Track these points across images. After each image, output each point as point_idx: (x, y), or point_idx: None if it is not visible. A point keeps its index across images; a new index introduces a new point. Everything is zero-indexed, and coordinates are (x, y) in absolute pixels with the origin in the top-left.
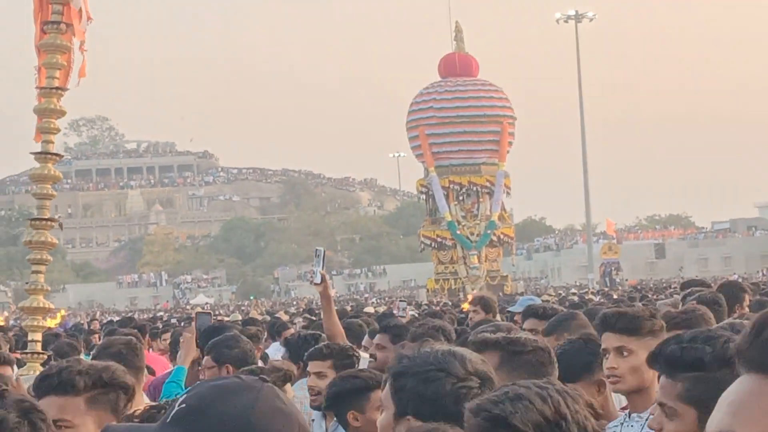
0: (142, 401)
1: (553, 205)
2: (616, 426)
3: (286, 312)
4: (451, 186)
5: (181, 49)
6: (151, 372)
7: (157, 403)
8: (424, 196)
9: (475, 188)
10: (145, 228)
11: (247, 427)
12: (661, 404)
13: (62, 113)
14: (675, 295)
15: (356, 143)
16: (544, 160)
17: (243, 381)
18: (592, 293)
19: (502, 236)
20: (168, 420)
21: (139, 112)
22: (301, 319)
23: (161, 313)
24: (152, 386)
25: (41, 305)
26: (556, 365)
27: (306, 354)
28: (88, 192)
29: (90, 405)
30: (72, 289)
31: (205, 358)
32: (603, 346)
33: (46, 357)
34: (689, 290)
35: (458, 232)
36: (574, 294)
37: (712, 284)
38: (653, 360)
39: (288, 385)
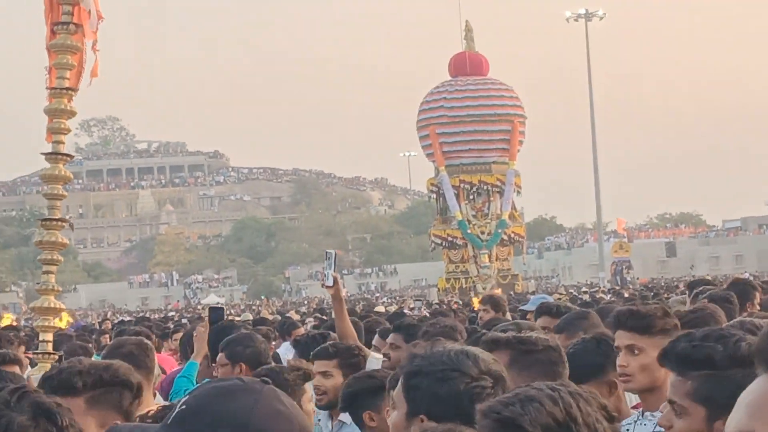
0: (152, 401)
1: (563, 203)
2: (630, 424)
3: (297, 311)
4: (462, 185)
5: (191, 50)
6: (163, 372)
7: (170, 403)
8: (434, 196)
9: (485, 187)
10: (156, 228)
11: (246, 429)
12: (671, 402)
13: (73, 114)
14: (682, 294)
15: (367, 143)
16: (555, 159)
17: (244, 383)
18: (603, 292)
19: (512, 235)
20: (169, 421)
21: (149, 112)
22: (311, 319)
23: (172, 313)
24: (165, 381)
25: (52, 305)
26: (567, 364)
27: (311, 353)
28: (99, 192)
29: (91, 405)
30: (83, 289)
31: (219, 355)
32: (615, 344)
33: (57, 357)
34: (701, 288)
35: (469, 231)
36: (585, 292)
37: (723, 283)
38: (664, 358)
39: (307, 384)
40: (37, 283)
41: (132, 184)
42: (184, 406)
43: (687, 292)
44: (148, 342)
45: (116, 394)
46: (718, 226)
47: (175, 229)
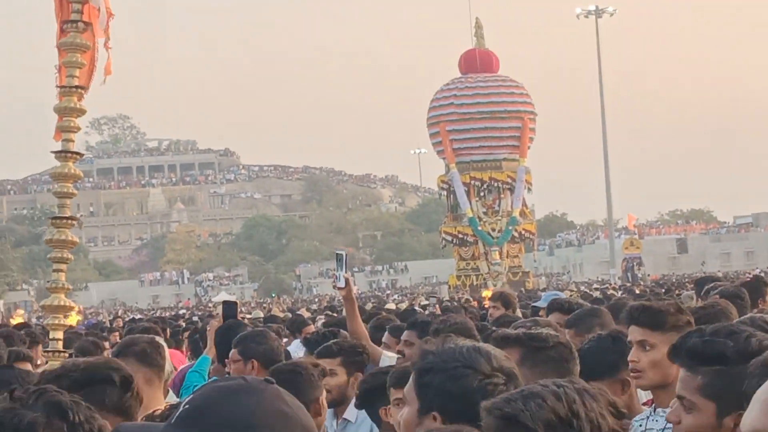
0: (162, 399)
1: (574, 200)
2: (642, 420)
3: (308, 309)
4: (473, 182)
5: (202, 48)
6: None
7: (177, 402)
8: (445, 193)
9: (496, 184)
10: (167, 226)
11: (248, 429)
12: (680, 397)
13: (82, 112)
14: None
15: (378, 140)
16: (566, 156)
17: (247, 382)
18: (614, 288)
19: (523, 232)
20: (173, 420)
21: (160, 110)
22: (322, 317)
23: (183, 311)
24: (178, 377)
25: (63, 304)
26: (578, 360)
27: (315, 351)
28: (110, 190)
29: None
30: (94, 287)
31: (232, 351)
32: (628, 339)
33: (67, 355)
34: (712, 284)
35: (479, 228)
36: (596, 289)
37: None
38: (674, 353)
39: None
40: (48, 282)
41: (143, 182)
42: (187, 406)
43: (694, 289)
44: (161, 339)
45: (98, 393)
46: (729, 223)
47: (186, 227)
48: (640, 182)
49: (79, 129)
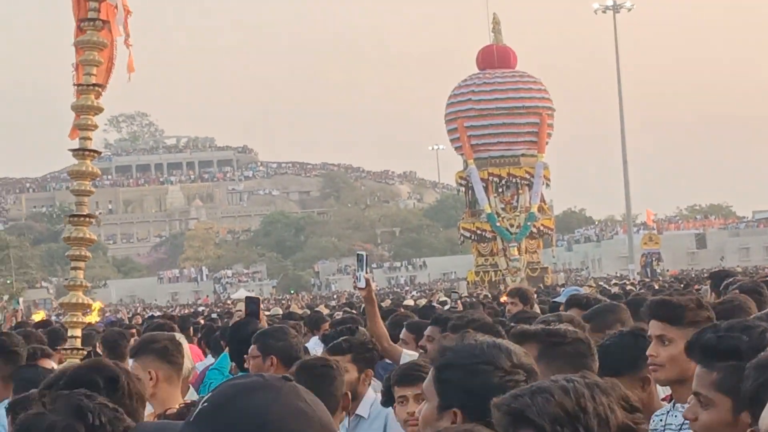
0: (180, 397)
1: (592, 196)
2: (662, 415)
3: (326, 306)
4: (491, 178)
5: (219, 45)
6: None
7: (190, 401)
8: (463, 189)
9: (514, 180)
10: (185, 223)
11: (264, 426)
12: (696, 393)
13: (100, 110)
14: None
15: (395, 136)
16: (584, 151)
17: (264, 379)
18: (633, 284)
19: (541, 228)
20: (191, 419)
21: (178, 107)
22: (340, 313)
23: (202, 308)
24: (201, 375)
25: (81, 301)
26: (596, 356)
27: (325, 348)
28: (129, 188)
29: None
30: (113, 284)
31: (251, 347)
32: (648, 334)
33: (85, 353)
34: (731, 279)
35: (498, 224)
36: (615, 285)
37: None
38: (690, 349)
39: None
40: (66, 279)
41: (161, 179)
42: (205, 404)
43: (710, 283)
44: (181, 337)
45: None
46: (748, 217)
47: (205, 224)
48: (659, 177)
49: (96, 127)
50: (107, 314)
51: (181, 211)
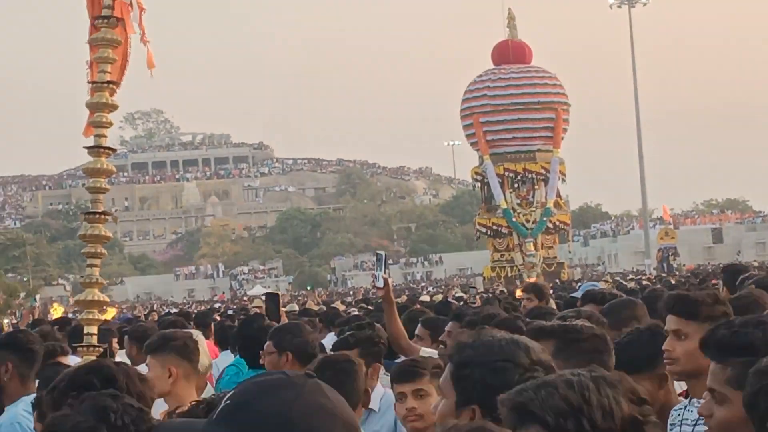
0: (194, 394)
1: (608, 191)
2: (680, 410)
3: (342, 302)
4: (506, 173)
5: (235, 41)
6: None
7: (200, 399)
8: (479, 184)
9: (530, 175)
10: (201, 220)
11: (287, 424)
12: (710, 390)
13: (114, 107)
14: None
15: (411, 132)
16: (600, 147)
17: (287, 377)
18: (649, 279)
19: (558, 223)
20: (214, 417)
21: (193, 104)
22: (356, 309)
23: (218, 305)
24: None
25: (96, 298)
26: (613, 353)
27: (332, 344)
28: (145, 185)
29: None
30: (130, 281)
31: (267, 343)
32: (665, 328)
33: (102, 350)
34: (747, 275)
35: (514, 219)
36: (631, 280)
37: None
38: (704, 345)
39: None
40: (82, 276)
41: (177, 176)
42: (228, 402)
43: (722, 278)
44: (198, 334)
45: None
46: (765, 212)
47: (221, 221)
48: (675, 172)
49: (111, 124)
50: (124, 311)
51: (197, 207)
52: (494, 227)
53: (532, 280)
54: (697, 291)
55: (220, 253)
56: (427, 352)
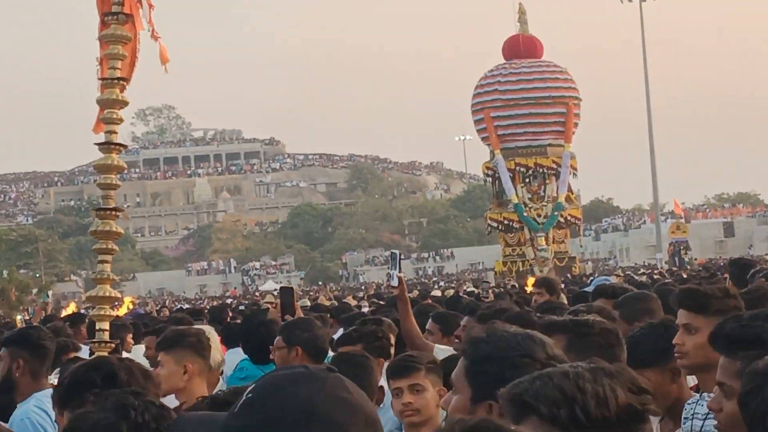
0: (205, 390)
1: (620, 185)
2: (692, 404)
3: (354, 297)
4: (518, 168)
5: (246, 38)
6: None
7: (205, 395)
8: (490, 179)
9: (541, 170)
10: (213, 216)
11: (309, 417)
12: (720, 384)
13: (125, 103)
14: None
15: (422, 127)
16: (611, 141)
17: (309, 370)
18: (660, 273)
19: (569, 217)
20: (236, 409)
21: (205, 100)
22: (368, 304)
23: (230, 300)
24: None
25: (108, 295)
26: (625, 347)
27: (335, 340)
28: (156, 181)
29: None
30: (142, 277)
31: (277, 338)
32: (676, 322)
33: (113, 346)
34: (758, 269)
35: (525, 214)
36: (642, 274)
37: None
38: (713, 340)
39: None
40: (93, 272)
41: (188, 172)
42: (250, 395)
43: (729, 271)
44: (211, 329)
45: (83, 398)
46: None
47: (232, 217)
48: (686, 166)
49: (122, 121)
50: (136, 307)
51: (208, 203)
52: (505, 222)
53: (538, 275)
54: (708, 285)
55: (231, 248)
56: (442, 348)
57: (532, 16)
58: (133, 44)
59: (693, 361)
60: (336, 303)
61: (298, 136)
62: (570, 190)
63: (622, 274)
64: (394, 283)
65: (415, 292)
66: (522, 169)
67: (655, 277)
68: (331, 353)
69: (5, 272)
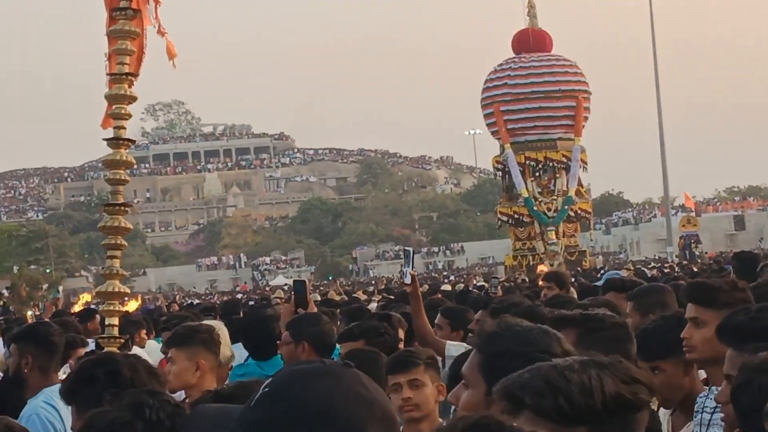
0: (214, 385)
1: (630, 179)
2: (703, 398)
3: (364, 291)
4: (527, 162)
5: (255, 32)
6: None
7: (210, 390)
8: (500, 173)
9: (551, 164)
10: (223, 210)
11: (325, 413)
12: (728, 376)
13: (133, 99)
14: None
15: (432, 121)
16: (621, 134)
17: (326, 366)
18: (671, 267)
19: (579, 211)
20: (252, 403)
21: (214, 95)
22: (377, 297)
23: (240, 295)
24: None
25: (117, 290)
26: (635, 341)
27: (338, 336)
28: (166, 176)
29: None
30: (152, 272)
31: (284, 333)
32: (685, 315)
33: (123, 341)
34: (766, 262)
35: (535, 208)
36: (652, 268)
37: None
38: (721, 332)
39: None
40: (102, 268)
41: (198, 167)
42: (266, 389)
43: (732, 265)
44: (221, 325)
45: (87, 393)
46: None
47: (242, 212)
48: (697, 159)
49: (130, 116)
50: (146, 302)
51: (218, 198)
52: (516, 216)
53: (546, 268)
54: (714, 278)
55: (241, 243)
56: (454, 344)
57: (542, 9)
58: (141, 40)
59: (701, 355)
60: (346, 298)
61: (308, 130)
62: (580, 183)
63: (633, 268)
64: (407, 280)
65: (425, 287)
66: (532, 163)
67: (666, 270)
68: (339, 348)
69: (16, 268)
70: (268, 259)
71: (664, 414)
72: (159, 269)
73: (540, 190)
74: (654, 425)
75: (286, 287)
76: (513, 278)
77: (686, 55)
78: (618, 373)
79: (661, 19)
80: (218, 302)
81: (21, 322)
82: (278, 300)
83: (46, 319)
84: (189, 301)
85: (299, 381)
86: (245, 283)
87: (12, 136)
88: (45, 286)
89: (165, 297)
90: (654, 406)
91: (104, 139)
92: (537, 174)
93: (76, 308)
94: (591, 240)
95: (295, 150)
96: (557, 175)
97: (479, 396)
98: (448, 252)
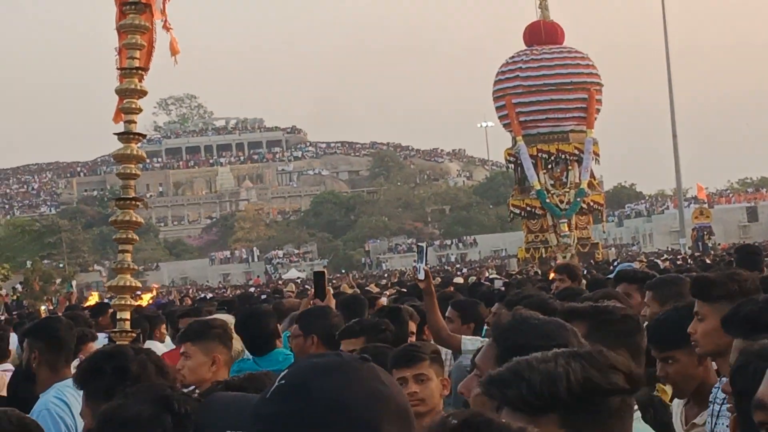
0: (226, 376)
1: (643, 171)
2: (716, 389)
3: (377, 285)
4: (540, 154)
5: (268, 26)
6: None
7: (221, 380)
8: (512, 166)
9: (563, 156)
10: (235, 204)
11: (341, 406)
12: None
13: (144, 93)
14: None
15: (444, 114)
16: (633, 126)
17: (343, 359)
18: (684, 259)
19: (592, 203)
20: (268, 395)
21: (227, 89)
22: (390, 292)
23: (253, 289)
24: None
25: (129, 284)
26: (645, 333)
27: (338, 333)
28: (179, 170)
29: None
30: (165, 266)
31: (293, 326)
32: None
33: (134, 335)
34: None
35: (547, 200)
36: (665, 260)
37: None
38: (727, 324)
39: None
40: (114, 262)
41: (211, 161)
42: (282, 381)
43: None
44: (232, 319)
45: (94, 385)
46: None
47: (255, 205)
48: (709, 151)
49: (140, 110)
50: (159, 296)
51: (231, 192)
52: (528, 208)
53: (560, 261)
54: (717, 272)
55: (254, 237)
56: (469, 339)
57: (553, 2)
58: (151, 34)
59: (704, 349)
60: (358, 291)
61: (320, 124)
62: (592, 175)
63: (645, 260)
64: (421, 276)
65: (438, 279)
66: (544, 156)
67: (678, 262)
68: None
69: (29, 263)
70: (280, 253)
71: (677, 404)
72: (172, 263)
73: (552, 182)
74: (664, 417)
75: (298, 280)
76: (525, 271)
77: (699, 46)
78: (592, 361)
79: (673, 10)
80: (231, 296)
81: (34, 317)
82: (290, 293)
83: (59, 314)
84: (202, 295)
85: (315, 375)
86: (258, 276)
87: (25, 131)
88: (58, 281)
89: (178, 291)
90: (667, 398)
91: (115, 134)
92: (549, 166)
93: (87, 304)
94: (603, 232)
95: (308, 143)
96: (569, 168)
97: None
98: (460, 245)
